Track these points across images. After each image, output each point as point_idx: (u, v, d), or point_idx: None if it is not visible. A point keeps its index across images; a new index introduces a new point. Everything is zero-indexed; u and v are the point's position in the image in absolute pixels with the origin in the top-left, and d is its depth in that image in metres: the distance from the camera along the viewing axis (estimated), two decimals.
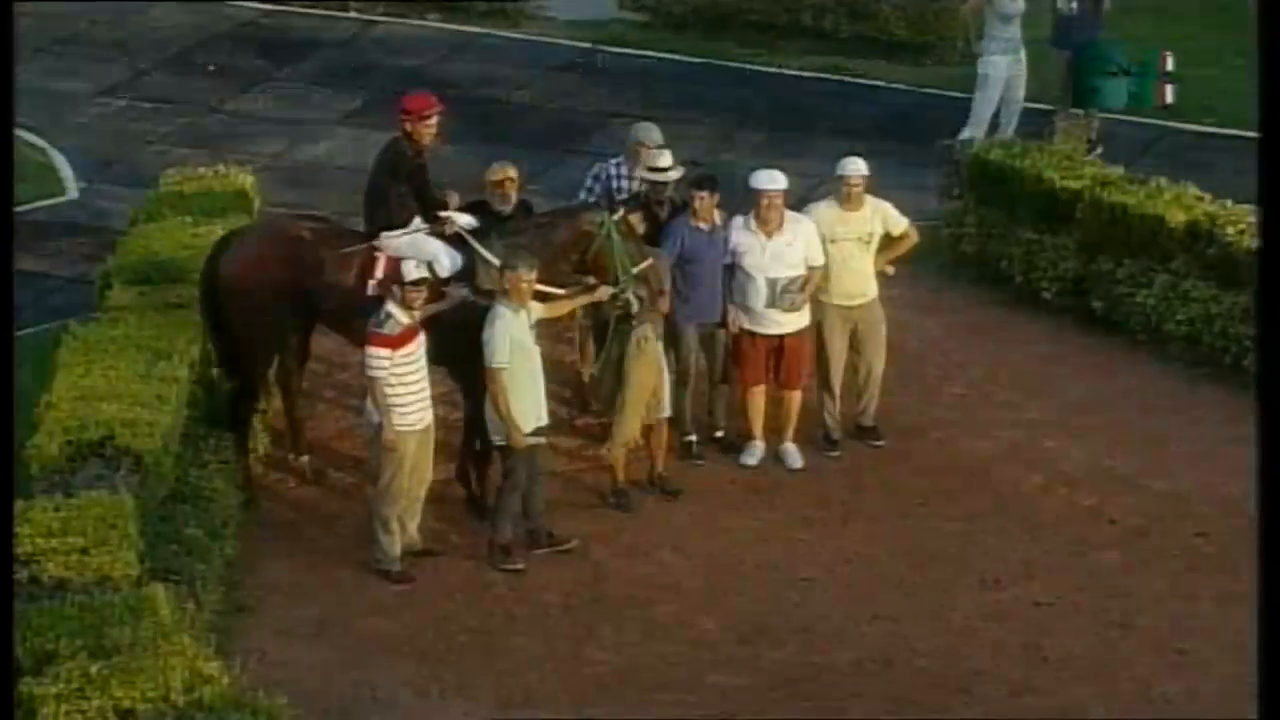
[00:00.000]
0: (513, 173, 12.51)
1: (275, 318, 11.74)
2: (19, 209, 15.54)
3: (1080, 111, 15.85)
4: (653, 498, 12.12)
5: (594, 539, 11.82)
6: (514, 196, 12.43)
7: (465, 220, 11.88)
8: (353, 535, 11.84)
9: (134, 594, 9.71)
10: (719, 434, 12.49)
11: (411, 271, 11.05)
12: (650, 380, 11.77)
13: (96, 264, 13.48)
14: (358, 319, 11.47)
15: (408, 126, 11.87)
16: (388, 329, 11.01)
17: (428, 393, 11.17)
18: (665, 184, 12.29)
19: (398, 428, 11.05)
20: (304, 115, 17.21)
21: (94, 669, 9.07)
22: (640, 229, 12.04)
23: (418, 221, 11.74)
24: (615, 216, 11.70)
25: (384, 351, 10.98)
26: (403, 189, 11.73)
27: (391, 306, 11.06)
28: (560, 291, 11.61)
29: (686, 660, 10.87)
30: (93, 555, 9.98)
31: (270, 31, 18.84)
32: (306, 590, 11.35)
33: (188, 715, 8.90)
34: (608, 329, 11.82)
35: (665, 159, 12.27)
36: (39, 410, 11.37)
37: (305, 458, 12.25)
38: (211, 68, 18.07)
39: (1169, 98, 15.97)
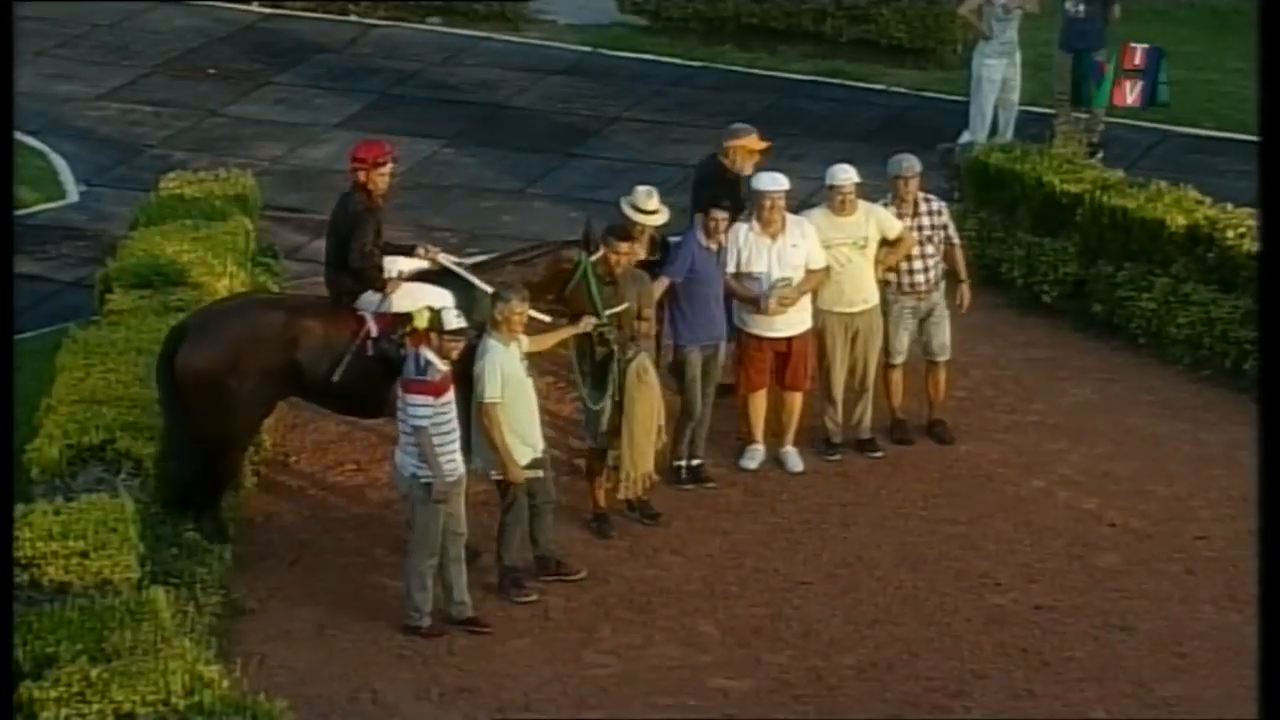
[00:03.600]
0: (755, 145, 12.38)
1: (250, 406, 11.15)
2: (20, 213, 15.56)
3: (1084, 115, 15.86)
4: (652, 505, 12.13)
5: (594, 543, 11.82)
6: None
7: (446, 257, 11.58)
8: (353, 538, 11.84)
9: (134, 597, 9.71)
10: (695, 462, 12.34)
11: (452, 321, 10.78)
12: (655, 409, 11.69)
13: (97, 268, 13.47)
14: (348, 386, 11.13)
15: (361, 176, 11.24)
16: (429, 375, 10.71)
17: (459, 440, 10.84)
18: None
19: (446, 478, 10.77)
20: (304, 119, 17.22)
21: (94, 672, 9.06)
22: (634, 257, 11.80)
23: (395, 266, 11.31)
24: (592, 258, 11.58)
25: (427, 399, 10.67)
26: (366, 244, 11.15)
27: (429, 354, 10.73)
28: (546, 318, 11.51)
29: (686, 664, 10.86)
30: (93, 559, 9.97)
31: (270, 35, 18.85)
32: (307, 593, 11.33)
33: (188, 719, 8.89)
34: (602, 366, 11.62)
35: (654, 201, 12.07)
36: (39, 414, 11.38)
37: None
38: (212, 71, 18.09)
39: (1129, 96, 15.79)
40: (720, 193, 12.27)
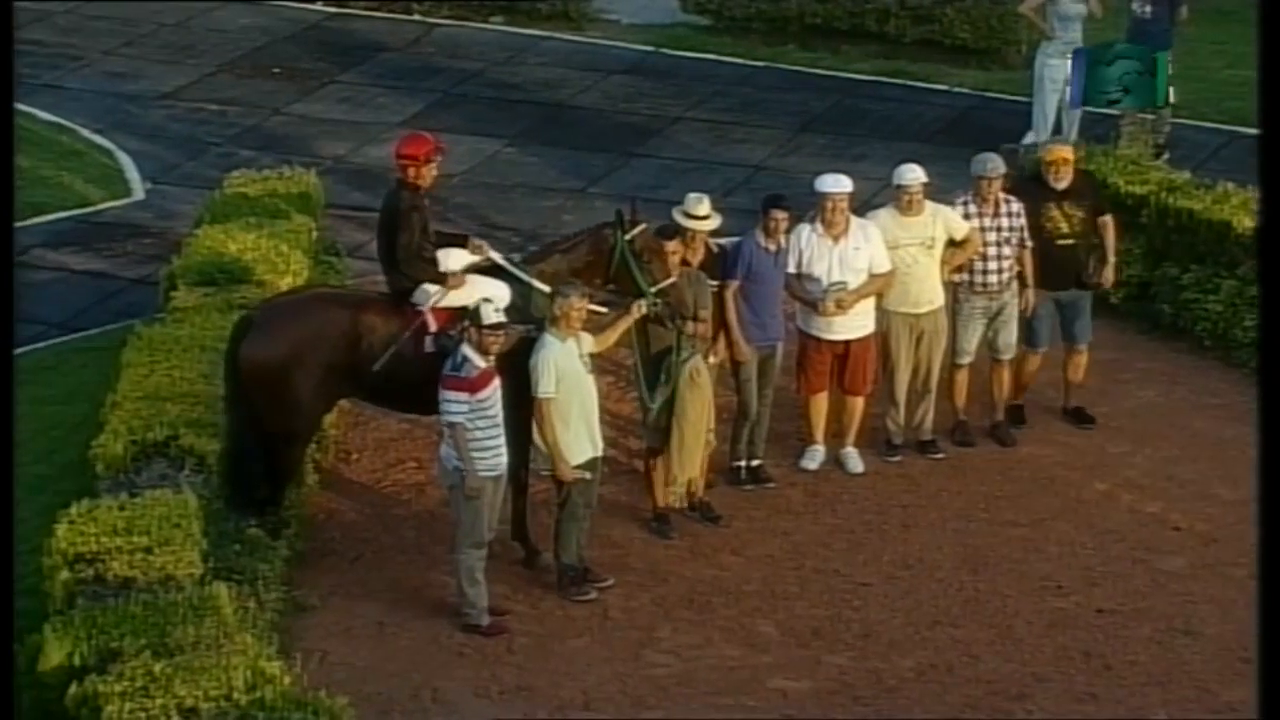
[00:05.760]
0: (1068, 154, 12.75)
1: (313, 401, 11.13)
2: (86, 210, 15.71)
3: (1150, 116, 15.77)
4: (713, 504, 12.11)
5: (654, 542, 11.82)
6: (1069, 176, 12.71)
7: (495, 253, 11.55)
8: (414, 535, 11.88)
9: (197, 593, 9.77)
10: (755, 462, 12.35)
11: (490, 315, 10.73)
12: (705, 413, 11.66)
13: (161, 265, 13.56)
14: (406, 382, 11.04)
15: (411, 172, 11.16)
16: (465, 372, 10.70)
17: (503, 436, 10.85)
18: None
19: (480, 473, 10.77)
20: (368, 117, 17.29)
21: (158, 667, 9.12)
22: (687, 256, 11.80)
23: (450, 259, 11.27)
24: (627, 237, 11.55)
25: (462, 396, 10.65)
26: (413, 240, 11.12)
27: (467, 350, 10.73)
28: (603, 310, 11.50)
29: (746, 664, 10.85)
30: (157, 554, 10.04)
31: (334, 34, 18.94)
32: (367, 591, 11.37)
33: (250, 714, 8.94)
34: (658, 365, 11.64)
35: (704, 207, 11.95)
36: (104, 410, 11.46)
37: None
38: (276, 70, 18.18)
39: (1171, 97, 15.88)
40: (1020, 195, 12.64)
